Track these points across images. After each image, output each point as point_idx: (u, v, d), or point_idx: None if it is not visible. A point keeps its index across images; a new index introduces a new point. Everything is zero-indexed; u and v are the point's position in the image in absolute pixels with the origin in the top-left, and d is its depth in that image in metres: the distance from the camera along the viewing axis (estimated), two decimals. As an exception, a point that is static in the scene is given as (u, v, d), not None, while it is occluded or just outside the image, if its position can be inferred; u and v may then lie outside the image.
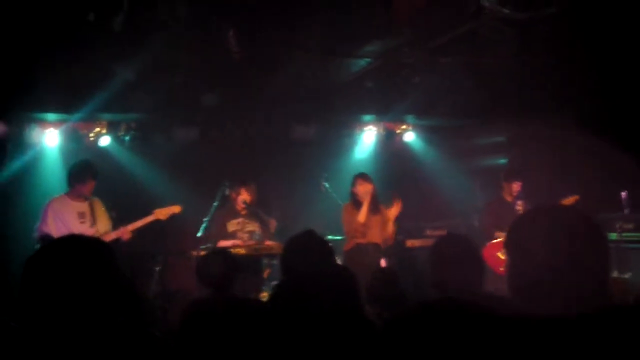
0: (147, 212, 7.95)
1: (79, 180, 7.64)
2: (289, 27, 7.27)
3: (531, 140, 10.44)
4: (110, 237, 7.54)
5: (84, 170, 7.73)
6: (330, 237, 8.39)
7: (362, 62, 8.70)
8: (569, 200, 8.32)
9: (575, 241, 2.08)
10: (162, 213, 7.98)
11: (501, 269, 8.05)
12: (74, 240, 2.33)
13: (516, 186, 8.97)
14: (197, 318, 4.55)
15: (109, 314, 2.17)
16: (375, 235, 8.38)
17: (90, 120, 9.60)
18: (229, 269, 4.72)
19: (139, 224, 7.80)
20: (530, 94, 9.21)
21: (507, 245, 2.26)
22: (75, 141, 9.58)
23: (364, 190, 8.42)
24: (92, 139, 9.69)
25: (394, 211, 8.50)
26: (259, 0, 6.28)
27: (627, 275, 8.06)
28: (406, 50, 8.20)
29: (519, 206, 8.76)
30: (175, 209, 8.09)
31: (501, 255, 8.41)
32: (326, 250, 3.59)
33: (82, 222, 7.63)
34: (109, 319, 2.17)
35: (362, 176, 8.61)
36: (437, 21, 7.24)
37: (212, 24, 7.38)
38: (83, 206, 7.71)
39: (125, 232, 7.69)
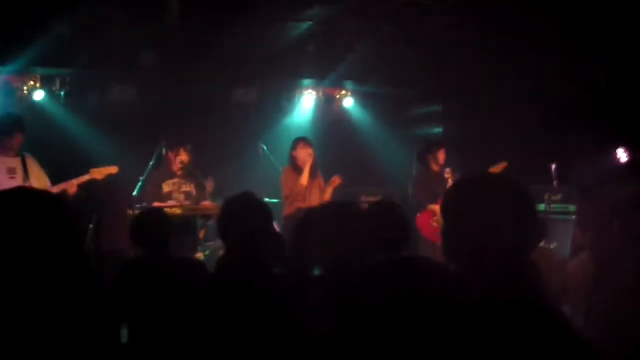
0: (83, 171, 7.83)
1: (5, 133, 7.45)
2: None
3: (465, 110, 10.63)
4: (54, 190, 7.41)
5: (10, 123, 7.52)
6: (267, 200, 8.42)
7: (304, 26, 8.69)
8: (498, 168, 8.51)
9: (504, 207, 2.19)
10: (98, 172, 7.86)
11: (435, 237, 8.25)
12: (22, 193, 2.30)
13: (441, 155, 9.10)
14: (131, 277, 4.57)
15: (59, 270, 2.17)
16: (315, 200, 8.41)
17: (24, 74, 9.37)
18: (163, 228, 4.71)
19: (75, 182, 7.67)
20: (466, 65, 9.36)
21: (443, 212, 2.35)
22: (8, 95, 9.34)
23: (306, 154, 8.43)
24: (25, 93, 9.45)
25: (335, 183, 8.54)
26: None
27: (552, 245, 8.34)
28: (348, 16, 8.23)
29: (447, 174, 8.89)
30: (113, 169, 7.98)
31: (434, 224, 8.60)
32: (265, 212, 3.62)
33: (11, 178, 7.44)
34: (59, 274, 2.17)
35: (303, 140, 8.61)
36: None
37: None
38: (14, 162, 7.52)
39: (72, 185, 7.55)
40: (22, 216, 2.18)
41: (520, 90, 9.35)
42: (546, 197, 8.66)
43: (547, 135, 9.03)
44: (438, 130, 11.31)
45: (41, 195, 2.33)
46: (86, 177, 7.73)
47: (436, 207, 8.68)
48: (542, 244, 7.88)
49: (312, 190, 8.46)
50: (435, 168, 9.11)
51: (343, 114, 11.62)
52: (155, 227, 4.71)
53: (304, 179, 8.37)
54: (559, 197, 8.86)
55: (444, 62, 9.72)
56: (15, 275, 2.11)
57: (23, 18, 7.67)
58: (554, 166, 8.82)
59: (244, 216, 3.53)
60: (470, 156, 9.52)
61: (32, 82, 9.46)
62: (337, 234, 3.09)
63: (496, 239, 2.14)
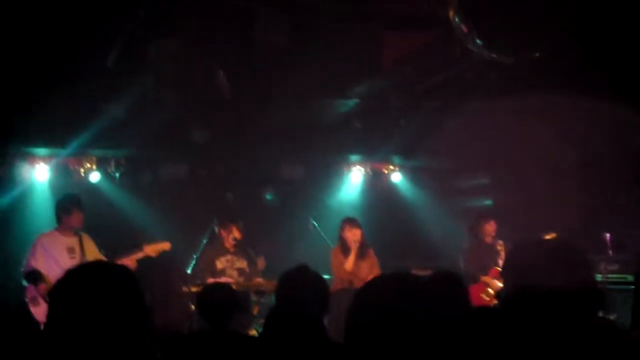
0: (138, 248, 7.97)
1: (65, 212, 7.67)
2: (280, 68, 7.40)
3: (514, 181, 10.57)
4: None
5: (69, 202, 7.77)
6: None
7: (351, 103, 8.82)
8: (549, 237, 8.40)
9: (563, 270, 2.19)
10: (152, 249, 7.99)
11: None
12: (100, 267, 2.36)
13: (491, 227, 9.04)
14: (191, 351, 4.58)
15: (130, 342, 2.20)
16: (362, 282, 8.35)
17: (80, 156, 9.66)
18: (230, 302, 4.76)
19: (131, 258, 7.80)
20: (513, 135, 9.37)
21: (504, 274, 2.35)
22: (65, 176, 9.63)
23: (352, 236, 8.45)
24: (82, 174, 9.73)
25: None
26: (248, 44, 6.39)
27: (612, 317, 8.13)
28: (393, 92, 8.35)
29: (500, 246, 8.83)
30: (165, 245, 8.11)
31: (485, 297, 8.50)
32: (321, 285, 3.65)
33: (72, 258, 7.62)
34: (130, 347, 2.20)
35: (349, 221, 8.64)
36: (423, 65, 7.39)
37: (202, 64, 7.50)
38: (72, 241, 7.72)
39: (132, 261, 7.68)
40: (105, 288, 2.22)
41: (569, 158, 9.30)
42: (602, 267, 8.50)
43: (598, 203, 8.93)
44: (488, 201, 11.25)
45: (122, 269, 2.37)
46: (140, 254, 7.85)
47: (487, 279, 8.60)
48: (600, 314, 7.73)
49: (360, 271, 8.42)
50: (487, 240, 9.04)
51: (391, 188, 11.66)
52: (222, 301, 4.76)
53: (349, 264, 8.40)
54: (615, 267, 8.68)
55: (491, 133, 9.74)
56: (92, 345, 2.15)
57: (79, 102, 7.94)
58: (608, 235, 8.68)
59: (300, 287, 3.56)
60: (521, 227, 9.42)
61: (88, 164, 9.74)
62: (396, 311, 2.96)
63: (557, 302, 2.14)
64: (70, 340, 2.13)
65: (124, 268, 2.38)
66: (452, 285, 3.97)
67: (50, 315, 2.20)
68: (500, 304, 2.36)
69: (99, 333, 2.15)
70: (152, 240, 8.12)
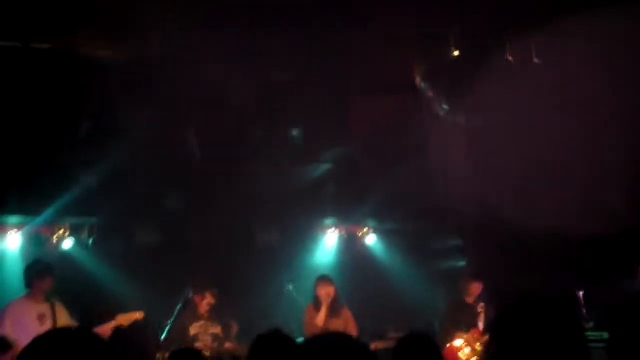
0: (110, 317, 7.90)
1: (37, 276, 7.63)
2: (252, 134, 7.50)
3: (486, 243, 10.66)
4: None
5: (40, 267, 7.74)
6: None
7: (324, 167, 8.91)
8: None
9: (557, 331, 2.24)
10: (124, 319, 7.93)
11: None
12: (69, 333, 2.31)
13: (475, 288, 9.07)
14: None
15: None
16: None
17: (53, 224, 9.62)
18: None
19: (104, 328, 7.73)
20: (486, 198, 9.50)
21: (494, 335, 2.38)
22: (37, 244, 9.54)
23: (325, 292, 8.47)
24: (54, 242, 9.68)
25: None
26: (219, 110, 6.50)
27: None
28: (364, 155, 8.47)
29: (480, 308, 8.86)
30: (138, 315, 8.05)
31: (462, 356, 8.49)
32: (294, 348, 3.65)
33: (42, 324, 7.54)
34: None
35: (322, 278, 8.66)
36: (393, 129, 7.52)
37: (172, 131, 7.59)
38: (43, 307, 7.65)
39: (105, 330, 7.61)
40: (74, 356, 2.17)
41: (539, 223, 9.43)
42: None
43: (567, 264, 9.03)
44: (461, 263, 11.31)
45: (91, 336, 2.31)
46: (112, 323, 7.78)
47: (465, 336, 8.63)
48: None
49: (333, 327, 8.38)
50: (468, 300, 9.06)
51: (366, 250, 11.69)
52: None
53: (320, 318, 8.38)
54: (590, 324, 8.72)
55: (463, 195, 9.88)
56: None
57: (52, 171, 7.98)
58: (581, 293, 8.74)
59: (273, 351, 3.57)
60: (494, 289, 9.47)
61: (61, 231, 9.69)
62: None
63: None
64: None
65: (93, 335, 2.33)
66: (424, 346, 4.00)
67: None
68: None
69: None
70: (124, 308, 8.07)
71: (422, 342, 4.07)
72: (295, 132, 7.40)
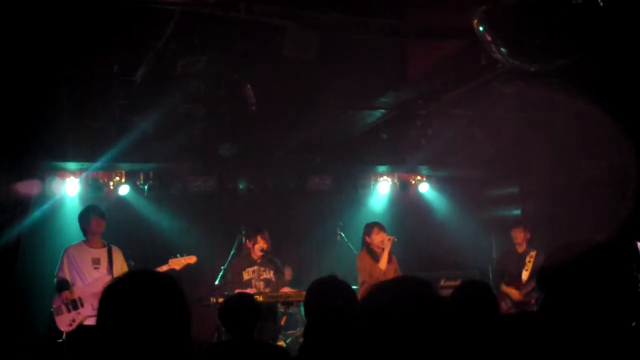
0: (165, 261, 8.05)
1: (84, 221, 7.84)
2: (306, 82, 7.43)
3: (543, 190, 10.49)
4: None
5: (86, 210, 7.96)
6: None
7: (377, 114, 8.83)
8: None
9: (606, 274, 2.19)
10: (177, 263, 8.08)
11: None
12: (148, 276, 2.38)
13: (519, 235, 8.99)
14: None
15: (174, 351, 2.23)
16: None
17: (110, 170, 9.79)
18: (252, 313, 4.79)
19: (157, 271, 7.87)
20: (541, 145, 9.32)
21: (541, 278, 2.34)
22: (95, 190, 9.75)
23: (381, 239, 8.44)
24: (111, 188, 9.86)
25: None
26: (276, 59, 6.43)
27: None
28: (420, 102, 8.34)
29: (530, 257, 8.80)
30: (191, 259, 8.18)
31: (504, 306, 8.50)
32: (350, 294, 3.66)
33: (95, 268, 7.75)
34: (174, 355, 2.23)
35: (377, 225, 8.63)
36: (449, 75, 7.38)
37: (230, 78, 7.57)
38: (100, 252, 7.84)
39: None
40: (152, 297, 2.25)
41: (595, 167, 9.23)
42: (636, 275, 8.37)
43: (627, 211, 8.82)
44: (516, 211, 11.17)
45: (170, 280, 2.39)
46: (165, 268, 7.94)
47: (507, 289, 8.62)
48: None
49: (390, 274, 8.40)
50: (518, 249, 9.02)
51: (419, 198, 11.65)
52: (244, 312, 4.79)
53: (383, 263, 8.34)
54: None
55: (519, 143, 9.71)
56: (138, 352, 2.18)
57: (108, 117, 8.06)
58: (639, 243, 8.56)
59: (330, 296, 3.57)
60: (551, 237, 9.35)
61: (117, 178, 9.87)
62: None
63: (593, 309, 2.14)
64: (116, 346, 2.17)
65: (172, 279, 2.39)
66: (480, 294, 3.97)
67: (98, 320, 2.24)
68: (538, 309, 2.33)
69: (144, 341, 2.17)
70: (178, 253, 8.21)
71: (479, 289, 4.04)
72: (349, 79, 7.29)
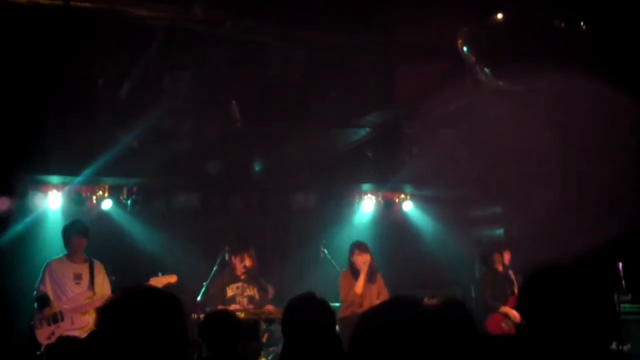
0: (146, 277, 7.99)
1: (66, 237, 7.79)
2: (292, 99, 7.45)
3: (526, 211, 10.53)
4: None
5: (69, 227, 7.88)
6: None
7: (362, 132, 8.85)
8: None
9: (586, 299, 2.20)
10: (157, 281, 8.00)
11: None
12: (148, 293, 2.38)
13: (506, 256, 9.06)
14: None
15: None
16: (372, 304, 8.36)
17: (93, 184, 9.74)
18: (232, 331, 4.76)
19: None
20: (524, 166, 9.37)
21: (521, 308, 2.35)
22: (78, 204, 9.69)
23: (362, 260, 8.49)
24: (94, 202, 9.81)
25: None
26: (261, 76, 6.46)
27: (626, 347, 8.06)
28: (405, 121, 8.38)
29: (512, 275, 8.86)
30: (172, 278, 8.10)
31: (505, 326, 8.48)
32: (327, 313, 3.64)
33: (77, 283, 7.70)
34: None
35: (359, 246, 8.66)
36: (434, 95, 7.42)
37: (215, 95, 7.57)
38: (81, 267, 7.79)
39: None
40: (146, 313, 2.25)
41: (582, 189, 9.27)
42: (615, 297, 8.41)
43: (610, 235, 8.86)
44: (499, 231, 11.21)
45: (164, 295, 2.39)
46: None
47: (506, 309, 8.60)
48: (613, 346, 7.65)
49: (370, 295, 8.44)
50: (499, 268, 9.03)
51: (403, 217, 11.66)
52: (224, 328, 4.76)
53: (359, 286, 8.41)
54: (628, 296, 8.62)
55: (503, 163, 9.75)
56: None
57: (92, 131, 8.04)
58: (620, 264, 8.61)
59: (306, 315, 3.56)
60: (533, 257, 9.37)
61: (100, 192, 9.83)
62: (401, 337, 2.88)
63: (577, 332, 2.14)
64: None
65: (173, 298, 2.39)
66: (459, 314, 3.95)
67: (96, 333, 2.25)
68: (519, 332, 2.35)
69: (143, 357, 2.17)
70: (161, 269, 8.16)
71: (457, 308, 4.01)
72: (335, 97, 7.32)
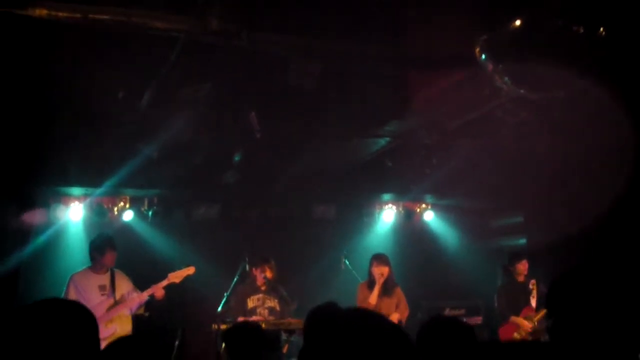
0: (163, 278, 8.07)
1: (99, 252, 7.84)
2: (311, 109, 7.44)
3: (548, 220, 10.44)
4: (143, 296, 7.87)
5: (102, 242, 7.93)
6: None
7: (382, 142, 8.83)
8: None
9: (616, 300, 2.16)
10: (176, 276, 8.10)
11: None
12: (54, 304, 2.35)
13: (523, 266, 9.01)
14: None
15: None
16: (388, 316, 8.33)
17: (114, 195, 9.80)
18: (258, 341, 4.78)
19: (157, 286, 7.93)
20: (546, 174, 9.29)
21: (551, 308, 2.32)
22: (99, 215, 9.75)
23: (378, 272, 8.52)
24: (115, 213, 9.86)
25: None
26: (280, 88, 6.46)
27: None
28: (424, 131, 8.34)
29: (532, 285, 8.80)
30: (189, 270, 8.19)
31: (517, 336, 8.42)
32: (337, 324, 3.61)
33: (102, 294, 7.76)
34: None
35: (377, 257, 8.68)
36: (453, 104, 7.39)
37: (234, 106, 7.59)
38: (104, 278, 7.86)
39: (158, 289, 7.84)
40: (56, 327, 2.24)
41: (601, 197, 9.17)
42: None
43: (634, 242, 8.76)
44: (522, 241, 11.12)
45: (72, 306, 2.37)
46: (164, 282, 7.97)
47: (518, 320, 8.55)
48: None
49: (387, 307, 8.45)
50: (519, 279, 8.99)
51: (424, 227, 11.61)
52: (249, 340, 4.78)
53: (372, 297, 8.45)
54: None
55: (524, 172, 9.67)
56: None
57: (113, 143, 8.08)
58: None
59: (328, 324, 3.53)
60: (556, 267, 9.29)
61: (121, 203, 9.88)
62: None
63: (604, 339, 2.11)
64: None
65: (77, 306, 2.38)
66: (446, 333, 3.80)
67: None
68: (548, 336, 2.32)
69: None
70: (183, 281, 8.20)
71: (447, 327, 3.88)
72: (354, 108, 7.30)
